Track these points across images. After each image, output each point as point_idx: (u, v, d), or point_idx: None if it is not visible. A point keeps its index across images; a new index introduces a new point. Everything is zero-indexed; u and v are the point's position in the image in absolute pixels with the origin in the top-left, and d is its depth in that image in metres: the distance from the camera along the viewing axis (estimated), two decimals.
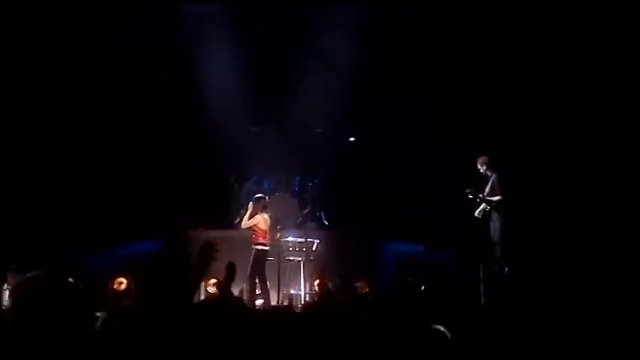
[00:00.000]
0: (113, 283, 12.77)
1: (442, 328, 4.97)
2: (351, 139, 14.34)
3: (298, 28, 15.51)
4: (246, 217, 12.32)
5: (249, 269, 11.98)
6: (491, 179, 13.08)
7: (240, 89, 15.48)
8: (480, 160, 13.18)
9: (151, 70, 14.75)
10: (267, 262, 12.23)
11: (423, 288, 11.51)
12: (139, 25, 14.72)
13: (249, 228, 12.20)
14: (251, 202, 12.49)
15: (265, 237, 12.09)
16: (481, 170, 13.20)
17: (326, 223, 14.54)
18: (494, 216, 13.05)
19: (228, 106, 15.34)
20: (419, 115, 14.64)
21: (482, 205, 13.13)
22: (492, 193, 12.92)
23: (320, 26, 15.88)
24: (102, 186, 14.70)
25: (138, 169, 14.78)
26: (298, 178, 15.06)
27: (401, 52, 15.17)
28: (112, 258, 14.19)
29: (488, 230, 13.14)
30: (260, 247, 12.00)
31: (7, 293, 12.35)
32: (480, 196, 12.94)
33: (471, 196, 12.92)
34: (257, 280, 12.08)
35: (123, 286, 12.83)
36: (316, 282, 12.38)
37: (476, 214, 13.28)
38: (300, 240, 12.64)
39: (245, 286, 12.21)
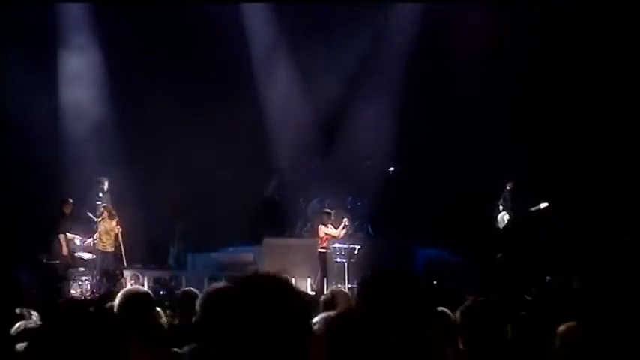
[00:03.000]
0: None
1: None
2: (391, 168, 17.16)
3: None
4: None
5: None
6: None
7: (310, 129, 18.36)
8: (508, 185, 16.22)
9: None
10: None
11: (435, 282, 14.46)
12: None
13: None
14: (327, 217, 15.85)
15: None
16: (507, 192, 16.21)
17: (371, 233, 17.28)
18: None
19: (300, 143, 18.19)
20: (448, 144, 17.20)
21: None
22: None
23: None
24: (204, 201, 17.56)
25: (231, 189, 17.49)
26: (350, 198, 17.55)
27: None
28: (210, 259, 16.95)
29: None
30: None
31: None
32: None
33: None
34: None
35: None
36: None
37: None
38: (344, 246, 15.48)
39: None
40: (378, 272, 3.25)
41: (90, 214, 16.18)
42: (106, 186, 16.42)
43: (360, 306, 3.29)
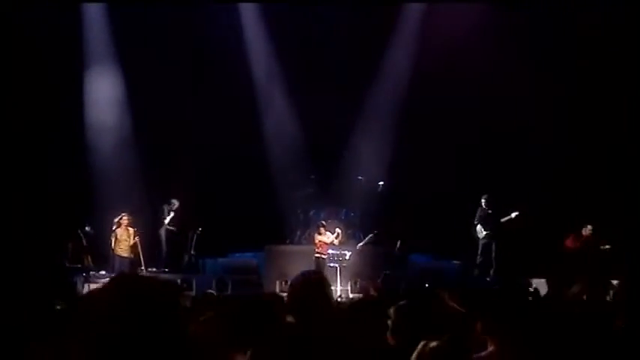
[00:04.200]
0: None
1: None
2: (381, 183, 18.41)
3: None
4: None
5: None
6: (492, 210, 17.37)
7: (306, 146, 19.74)
8: (483, 198, 17.53)
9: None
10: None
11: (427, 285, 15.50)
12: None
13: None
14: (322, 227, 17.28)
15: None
16: (483, 205, 17.53)
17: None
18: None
19: (296, 159, 19.58)
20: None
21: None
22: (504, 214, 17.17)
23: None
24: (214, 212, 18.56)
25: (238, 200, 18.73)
26: (344, 209, 19.01)
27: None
28: (218, 264, 18.01)
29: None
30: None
31: None
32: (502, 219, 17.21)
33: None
34: None
35: None
36: None
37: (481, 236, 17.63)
38: (337, 252, 16.81)
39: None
40: (300, 276, 4.10)
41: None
42: (175, 206, 18.01)
43: (289, 302, 4.02)
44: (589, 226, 16.93)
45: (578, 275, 10.00)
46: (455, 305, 6.10)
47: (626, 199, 17.30)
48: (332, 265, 16.83)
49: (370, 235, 17.57)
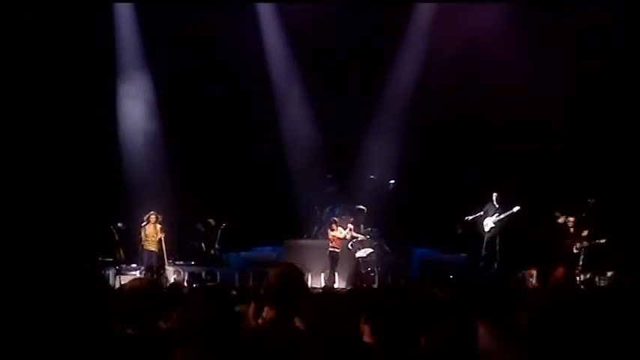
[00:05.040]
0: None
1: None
2: (392, 181, 19.18)
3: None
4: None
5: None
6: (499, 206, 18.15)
7: (322, 146, 20.55)
8: (495, 195, 18.29)
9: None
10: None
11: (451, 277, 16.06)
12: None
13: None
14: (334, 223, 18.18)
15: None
16: (494, 201, 18.28)
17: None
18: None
19: (312, 159, 20.43)
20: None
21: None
22: (508, 209, 17.94)
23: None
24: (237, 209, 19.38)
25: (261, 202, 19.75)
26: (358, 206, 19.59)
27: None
28: (240, 257, 18.82)
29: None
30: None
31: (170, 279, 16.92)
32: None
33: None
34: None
35: None
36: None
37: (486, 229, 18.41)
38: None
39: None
40: (276, 269, 4.28)
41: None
42: (212, 223, 19.14)
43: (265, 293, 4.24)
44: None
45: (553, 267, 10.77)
46: (438, 292, 6.46)
47: (627, 197, 17.62)
48: (358, 254, 17.93)
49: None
